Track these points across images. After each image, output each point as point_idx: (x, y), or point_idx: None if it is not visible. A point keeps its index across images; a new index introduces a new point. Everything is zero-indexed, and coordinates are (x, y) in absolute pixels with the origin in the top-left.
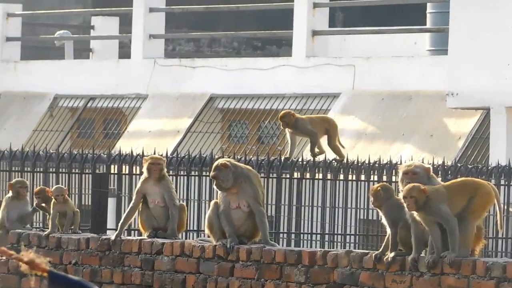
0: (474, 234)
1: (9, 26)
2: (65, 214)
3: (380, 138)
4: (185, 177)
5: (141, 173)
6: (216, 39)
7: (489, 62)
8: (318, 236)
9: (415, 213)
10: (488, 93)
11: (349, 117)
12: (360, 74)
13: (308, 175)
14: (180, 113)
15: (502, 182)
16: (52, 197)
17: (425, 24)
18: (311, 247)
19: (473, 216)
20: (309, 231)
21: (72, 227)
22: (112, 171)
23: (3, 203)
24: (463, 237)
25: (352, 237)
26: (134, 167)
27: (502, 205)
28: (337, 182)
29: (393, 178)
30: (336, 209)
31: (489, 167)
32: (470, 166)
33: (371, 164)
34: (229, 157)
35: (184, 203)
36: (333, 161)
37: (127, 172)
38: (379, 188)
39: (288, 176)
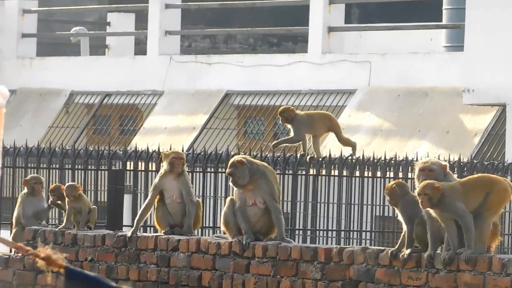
0: (490, 230)
1: (25, 22)
2: (80, 211)
3: (396, 135)
4: (201, 174)
5: (157, 170)
6: (232, 36)
7: (505, 58)
8: (334, 232)
9: (431, 210)
10: (504, 90)
11: (365, 113)
12: (376, 71)
13: (324, 172)
14: (196, 110)
15: None
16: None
17: (441, 21)
18: (327, 243)
19: (489, 212)
20: (325, 228)
21: (88, 224)
22: (128, 168)
23: (19, 200)
24: (479, 233)
25: (368, 233)
26: (150, 164)
27: None
28: (353, 178)
29: (409, 175)
30: (352, 205)
31: (505, 164)
32: (486, 163)
33: (387, 161)
34: (245, 154)
35: (200, 200)
36: (349, 157)
37: (143, 168)
38: (394, 185)
39: (304, 172)
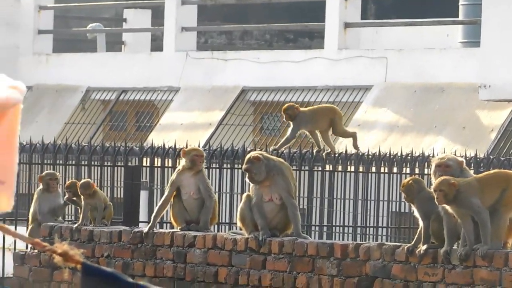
0: (507, 226)
1: (41, 19)
2: (96, 207)
3: (412, 131)
4: (217, 170)
5: (173, 166)
6: (248, 32)
7: None
8: (350, 228)
9: (447, 206)
10: None
11: (381, 109)
12: (392, 67)
13: (340, 168)
14: (212, 106)
15: None
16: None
17: (458, 16)
18: (343, 239)
19: (505, 208)
20: (341, 224)
21: (103, 220)
22: (144, 164)
23: (35, 196)
24: (496, 229)
25: (384, 229)
26: (166, 160)
27: None
28: (369, 174)
29: (426, 171)
30: (368, 201)
31: None
32: (502, 158)
33: (403, 157)
34: (261, 150)
35: (216, 196)
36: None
37: (159, 164)
38: (410, 181)
39: (320, 168)
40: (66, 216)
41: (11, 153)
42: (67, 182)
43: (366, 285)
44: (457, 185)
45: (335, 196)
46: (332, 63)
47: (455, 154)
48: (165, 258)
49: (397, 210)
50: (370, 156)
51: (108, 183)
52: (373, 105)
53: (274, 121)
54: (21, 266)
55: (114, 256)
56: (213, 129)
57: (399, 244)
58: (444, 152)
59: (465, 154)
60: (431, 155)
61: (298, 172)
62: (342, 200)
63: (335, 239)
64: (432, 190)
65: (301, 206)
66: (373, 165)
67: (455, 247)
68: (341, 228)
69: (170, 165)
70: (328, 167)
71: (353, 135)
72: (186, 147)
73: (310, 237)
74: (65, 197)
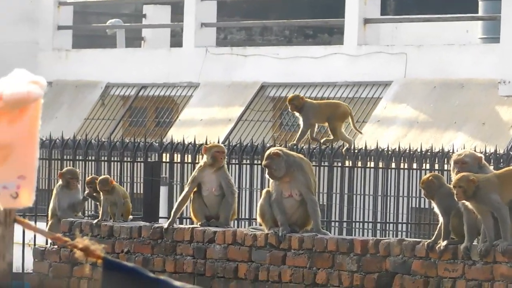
0: None
1: (61, 14)
2: (115, 203)
3: (432, 127)
4: (237, 166)
5: (193, 162)
6: (267, 28)
7: None
8: (370, 224)
9: (466, 202)
10: None
11: (401, 105)
12: (411, 62)
13: (359, 164)
14: (231, 102)
15: None
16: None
17: (477, 12)
18: (363, 235)
19: None
20: (361, 220)
21: (122, 217)
22: (164, 160)
23: (54, 192)
24: None
25: (404, 225)
26: (186, 156)
27: None
28: (389, 170)
29: (445, 167)
30: (388, 197)
31: None
32: None
33: (423, 153)
34: (280, 146)
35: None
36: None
37: (179, 160)
38: (430, 177)
39: (339, 164)
40: (86, 212)
41: (32, 148)
42: (88, 178)
43: (386, 281)
44: (476, 181)
45: (354, 192)
46: (351, 59)
47: (474, 150)
48: (185, 253)
49: (417, 206)
50: (389, 152)
51: (128, 178)
52: (392, 101)
53: (293, 117)
54: (41, 262)
55: (134, 252)
56: (232, 124)
57: (419, 240)
58: (464, 148)
59: (485, 150)
60: (451, 151)
61: (317, 168)
62: (361, 196)
63: (355, 235)
64: (451, 186)
65: (320, 202)
66: (393, 161)
67: (475, 243)
68: (361, 224)
69: (189, 160)
70: (347, 163)
71: (349, 142)
72: (206, 143)
73: (330, 233)
74: (86, 192)
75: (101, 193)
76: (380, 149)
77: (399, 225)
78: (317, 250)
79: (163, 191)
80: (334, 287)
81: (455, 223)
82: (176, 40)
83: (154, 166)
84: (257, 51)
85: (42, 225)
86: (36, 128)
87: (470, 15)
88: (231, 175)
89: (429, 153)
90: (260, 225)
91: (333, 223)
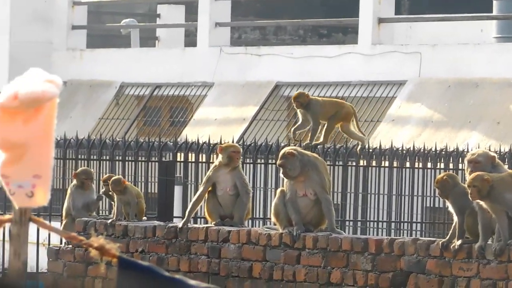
0: None
1: (75, 14)
2: (129, 203)
3: (446, 126)
4: (251, 165)
5: (207, 161)
6: (282, 27)
7: None
8: (385, 224)
9: (481, 201)
10: None
11: (415, 104)
12: (426, 62)
13: (374, 163)
14: (246, 101)
15: None
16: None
17: (492, 11)
18: (377, 235)
19: None
20: (376, 219)
21: (136, 217)
22: (178, 159)
23: (68, 191)
24: None
25: (419, 225)
26: (200, 155)
27: None
28: (404, 169)
29: (460, 166)
30: (403, 196)
31: None
32: None
33: (437, 152)
34: (294, 145)
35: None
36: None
37: (193, 160)
38: (445, 177)
39: (354, 163)
40: (100, 212)
41: (48, 147)
42: (104, 176)
43: (400, 280)
44: (490, 181)
45: (369, 191)
46: (366, 58)
47: (489, 149)
48: (199, 253)
49: (431, 205)
50: (404, 151)
51: (142, 178)
52: (407, 100)
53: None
54: (55, 261)
55: (148, 251)
56: (247, 124)
57: (434, 239)
58: (478, 147)
59: (500, 149)
60: (465, 150)
61: (332, 167)
62: (376, 195)
63: (369, 234)
64: (466, 185)
65: (335, 201)
66: (407, 160)
67: (489, 242)
68: (375, 223)
69: (204, 160)
70: (362, 162)
71: (324, 142)
72: (220, 142)
73: (344, 232)
74: (102, 190)
75: (114, 193)
76: (394, 149)
77: (414, 225)
78: (332, 250)
79: (178, 190)
80: (349, 286)
81: (470, 223)
82: (190, 40)
83: (168, 166)
84: (271, 50)
85: (56, 225)
86: (52, 127)
87: (485, 14)
88: (246, 175)
89: (443, 153)
90: (275, 224)
91: (347, 223)
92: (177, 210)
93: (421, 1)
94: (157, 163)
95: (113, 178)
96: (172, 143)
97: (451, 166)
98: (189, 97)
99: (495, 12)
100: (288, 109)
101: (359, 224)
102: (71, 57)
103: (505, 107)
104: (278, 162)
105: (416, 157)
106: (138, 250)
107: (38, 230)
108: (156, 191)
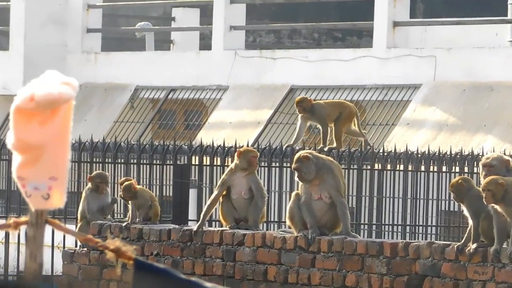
0: None
1: (90, 17)
2: (141, 206)
3: (461, 129)
4: (266, 168)
5: (222, 164)
6: (296, 30)
7: None
8: (400, 227)
9: (496, 205)
10: None
11: (430, 108)
12: (441, 65)
13: (389, 166)
14: (260, 104)
15: None
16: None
17: (507, 15)
18: (392, 238)
19: None
20: (391, 223)
21: (151, 219)
22: (193, 162)
23: (83, 195)
24: None
25: (434, 228)
26: (215, 158)
27: None
28: (419, 173)
29: (475, 170)
30: (418, 200)
31: None
32: None
33: (452, 156)
34: (309, 149)
35: None
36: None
37: (208, 163)
38: (460, 180)
39: (369, 167)
40: (115, 215)
41: (64, 149)
42: (121, 179)
43: (415, 284)
44: (505, 185)
45: (384, 195)
46: (380, 61)
47: (504, 153)
48: (214, 256)
49: (447, 208)
50: (419, 155)
51: (157, 181)
52: (422, 104)
53: None
54: (70, 264)
55: (163, 254)
56: (261, 127)
57: (449, 242)
58: (494, 151)
59: None
60: (480, 154)
61: (347, 170)
62: (391, 199)
63: (384, 237)
64: (480, 189)
65: (350, 205)
66: (423, 163)
67: (504, 245)
68: (390, 226)
69: (219, 163)
70: (377, 166)
71: (339, 146)
72: (235, 145)
73: (359, 235)
74: (119, 194)
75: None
76: (409, 152)
77: (429, 228)
78: (347, 253)
79: (192, 193)
80: None
81: (485, 226)
82: (205, 43)
83: (183, 169)
84: (286, 54)
85: (71, 228)
86: (68, 129)
87: (500, 18)
88: (260, 178)
89: (458, 156)
90: (290, 227)
91: (362, 226)
92: (192, 213)
93: (436, 5)
94: (172, 166)
95: (124, 185)
96: (187, 146)
97: (466, 169)
98: (204, 100)
99: (510, 16)
100: None
101: (374, 227)
102: (86, 60)
103: None
104: (294, 165)
105: (431, 160)
106: (153, 253)
107: (53, 233)
108: (171, 194)
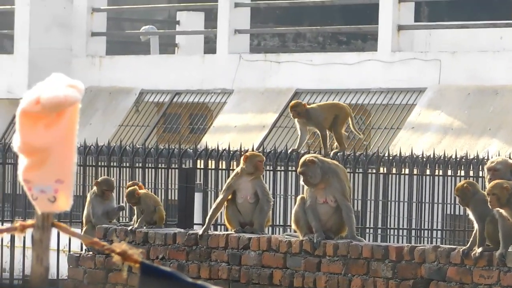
0: None
1: (94, 21)
2: (145, 211)
3: (466, 133)
4: (271, 172)
5: (227, 168)
6: (301, 34)
7: None
8: (405, 231)
9: (501, 209)
10: None
11: (435, 111)
12: (446, 69)
13: (394, 170)
14: (265, 108)
15: None
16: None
17: (511, 19)
18: (398, 242)
19: None
20: (396, 226)
21: (156, 223)
22: (198, 166)
23: (88, 199)
24: None
25: (439, 232)
26: (220, 162)
27: None
28: (424, 177)
29: (480, 173)
30: (423, 204)
31: None
32: None
33: (457, 159)
34: (314, 153)
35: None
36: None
37: (213, 167)
38: (465, 184)
39: (374, 171)
40: (121, 219)
41: (70, 152)
42: (129, 183)
43: None
44: (509, 189)
45: (389, 199)
46: (385, 65)
47: (509, 157)
48: (219, 260)
49: (452, 212)
50: (424, 159)
51: (163, 185)
52: (427, 108)
53: None
54: (76, 268)
55: (169, 258)
56: (266, 131)
57: (454, 246)
58: (499, 155)
59: None
60: (486, 157)
61: (352, 174)
62: (396, 203)
63: (389, 241)
64: (486, 193)
65: (355, 209)
66: (428, 167)
67: (510, 249)
68: (396, 230)
69: (224, 167)
70: (382, 170)
71: (343, 147)
72: (240, 149)
73: (365, 239)
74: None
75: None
76: (414, 156)
77: (434, 232)
78: (352, 257)
79: (198, 197)
80: None
81: (490, 230)
82: (210, 47)
83: (188, 173)
84: (290, 57)
85: (76, 231)
86: (74, 132)
87: (504, 22)
88: (266, 182)
89: (463, 160)
90: (295, 231)
91: (367, 230)
92: (197, 217)
93: (440, 8)
94: (177, 170)
95: (127, 191)
96: (192, 150)
97: (471, 173)
98: (208, 104)
99: None
100: None
101: (379, 231)
102: (90, 64)
103: None
104: (299, 169)
105: (436, 164)
106: (158, 257)
107: (58, 236)
108: (176, 198)
